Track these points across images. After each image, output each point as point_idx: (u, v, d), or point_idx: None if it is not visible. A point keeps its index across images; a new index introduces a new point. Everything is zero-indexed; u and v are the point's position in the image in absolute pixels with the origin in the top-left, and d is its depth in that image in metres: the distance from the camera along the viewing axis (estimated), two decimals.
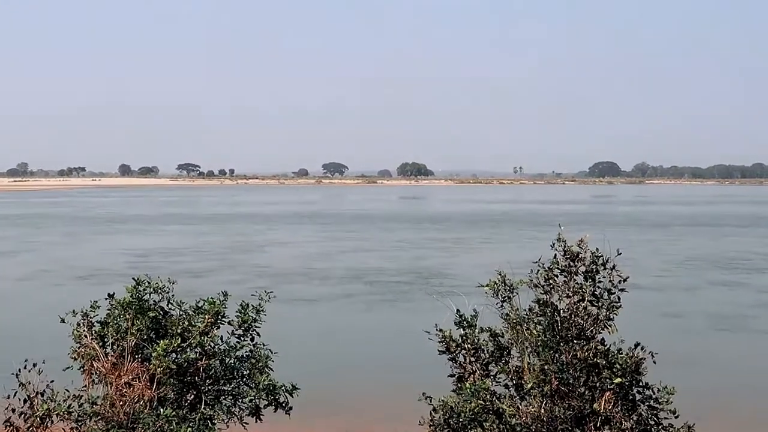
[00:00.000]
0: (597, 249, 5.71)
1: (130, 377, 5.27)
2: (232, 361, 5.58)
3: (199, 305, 5.62)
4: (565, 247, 5.77)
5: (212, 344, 5.59)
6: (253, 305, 5.63)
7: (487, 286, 5.86)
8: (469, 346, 5.80)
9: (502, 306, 5.86)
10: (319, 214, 63.52)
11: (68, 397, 5.17)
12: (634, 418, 5.48)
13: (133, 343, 5.43)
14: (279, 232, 43.66)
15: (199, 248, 33.76)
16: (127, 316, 5.54)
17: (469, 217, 58.89)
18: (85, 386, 5.30)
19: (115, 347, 5.47)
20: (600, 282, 5.67)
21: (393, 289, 21.73)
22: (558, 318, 5.66)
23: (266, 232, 44.11)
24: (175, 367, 5.36)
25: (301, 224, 50.86)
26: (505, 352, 5.80)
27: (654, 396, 5.50)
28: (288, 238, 39.59)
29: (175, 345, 5.40)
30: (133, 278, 5.54)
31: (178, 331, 5.54)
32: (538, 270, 5.78)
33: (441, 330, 5.79)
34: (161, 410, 5.17)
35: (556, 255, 5.76)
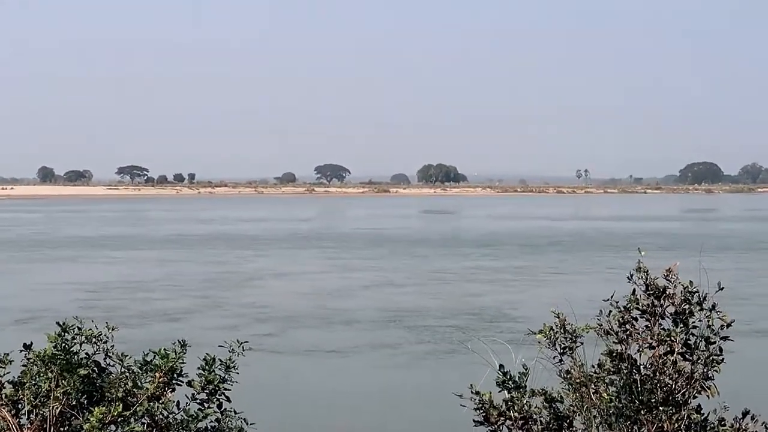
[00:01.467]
0: (691, 282, 5.68)
1: None
2: None
3: (148, 359, 5.54)
4: (647, 279, 5.73)
5: (165, 413, 5.51)
6: (221, 360, 5.57)
7: (541, 333, 5.84)
8: (516, 414, 5.68)
9: (561, 360, 5.79)
10: (320, 235, 64.04)
11: None
12: None
13: (57, 411, 5.35)
14: (271, 259, 44.12)
15: (168, 280, 34.22)
16: (50, 374, 5.43)
17: (525, 239, 59.23)
18: None
19: (33, 416, 5.38)
20: (695, 327, 5.64)
21: (445, 336, 22.08)
22: (638, 377, 5.62)
23: (254, 258, 44.59)
24: None
25: (298, 248, 51.35)
26: (566, 423, 5.72)
27: None
28: (286, 268, 40.03)
29: (115, 414, 5.31)
30: (58, 323, 5.51)
31: (119, 394, 5.45)
32: (610, 311, 5.73)
33: (477, 392, 5.65)
34: None
35: (634, 290, 5.74)
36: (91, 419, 5.24)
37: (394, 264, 41.96)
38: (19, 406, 5.47)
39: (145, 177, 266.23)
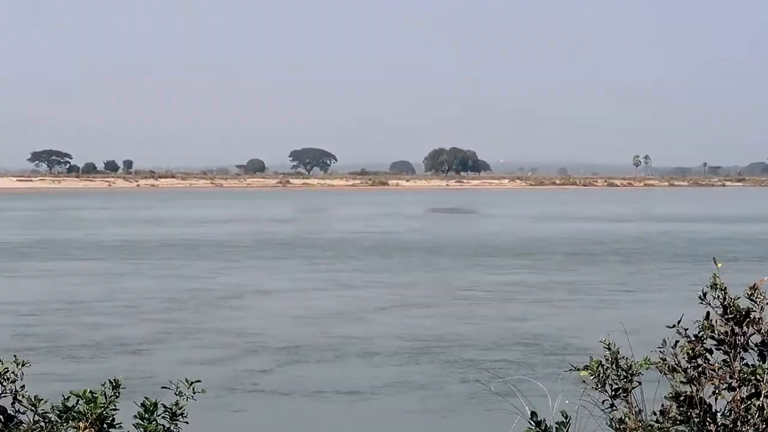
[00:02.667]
0: None
1: None
2: None
3: (69, 405, 5.48)
4: (725, 299, 5.71)
5: None
6: (165, 405, 5.53)
7: (586, 369, 5.82)
8: None
9: (612, 406, 5.75)
10: (305, 241, 64.37)
11: None
12: None
13: None
14: (248, 272, 44.44)
15: (120, 300, 34.44)
16: None
17: (575, 246, 59.62)
18: None
19: None
20: None
21: (496, 371, 22.25)
22: (713, 427, 5.60)
23: (226, 271, 44.92)
24: None
25: (280, 258, 51.69)
26: None
27: None
28: (269, 283, 40.32)
29: None
30: None
31: None
32: (677, 342, 5.72)
33: None
34: None
35: (708, 314, 5.75)
36: None
37: (409, 278, 42.25)
38: None
39: (68, 165, 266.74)
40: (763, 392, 5.55)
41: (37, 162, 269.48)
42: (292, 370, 22.75)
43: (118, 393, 5.47)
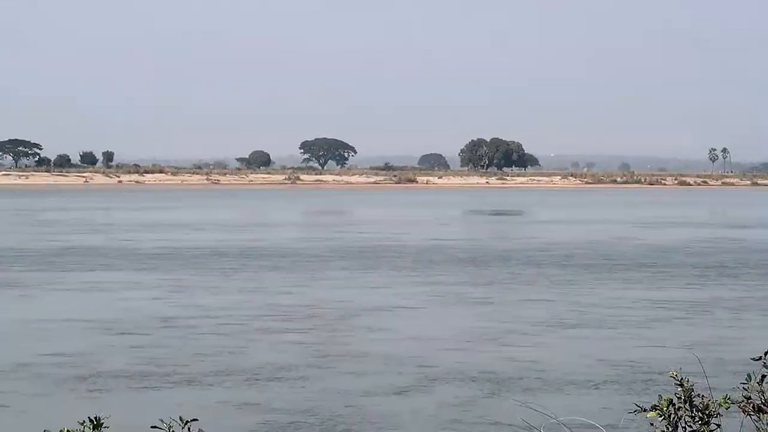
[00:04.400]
0: None
1: None
2: None
3: None
4: None
5: None
6: None
7: (655, 410, 5.79)
8: None
9: None
10: (374, 249, 64.65)
11: None
12: None
13: None
14: (344, 286, 44.86)
15: (218, 317, 34.77)
16: None
17: (700, 257, 59.96)
18: None
19: None
20: None
21: None
22: None
23: (315, 283, 45.51)
24: None
25: (364, 268, 52.05)
26: None
27: None
28: (379, 299, 40.68)
29: None
30: None
31: None
32: (764, 377, 5.75)
33: None
34: None
35: None
36: None
37: (529, 293, 42.51)
38: None
39: (37, 157, 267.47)
40: None
41: (0, 153, 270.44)
42: (499, 402, 23.01)
43: None
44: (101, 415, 5.75)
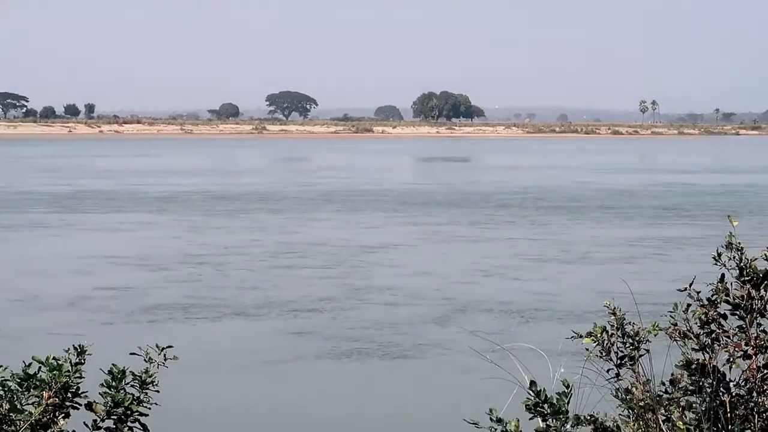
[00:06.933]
0: None
1: None
2: None
3: (31, 373, 5.40)
4: (741, 260, 5.67)
5: None
6: (134, 373, 5.45)
7: (589, 336, 5.74)
8: None
9: (617, 375, 5.71)
10: (355, 192, 64.77)
11: None
12: None
13: None
14: (343, 226, 44.97)
15: (243, 254, 34.84)
16: None
17: (659, 199, 60.47)
18: None
19: None
20: None
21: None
22: (727, 398, 5.56)
23: (317, 224, 45.48)
24: None
25: (353, 210, 52.18)
26: None
27: None
28: (379, 237, 40.78)
29: None
30: None
31: None
32: (689, 305, 5.69)
33: (499, 420, 5.40)
34: None
35: (723, 277, 5.71)
36: None
37: (508, 232, 42.78)
38: None
39: (24, 109, 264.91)
40: None
41: None
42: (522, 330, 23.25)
43: (84, 359, 5.35)
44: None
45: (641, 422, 5.55)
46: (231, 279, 30.02)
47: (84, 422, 5.33)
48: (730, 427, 5.48)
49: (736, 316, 5.64)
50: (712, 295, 5.66)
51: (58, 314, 24.44)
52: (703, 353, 5.62)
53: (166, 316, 24.14)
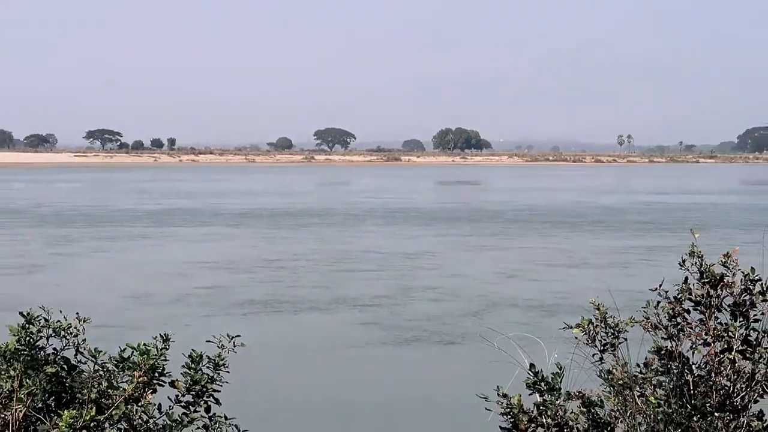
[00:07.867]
0: (753, 269, 5.74)
1: None
2: None
3: (126, 356, 5.44)
4: (701, 266, 5.75)
5: (145, 417, 5.42)
6: (209, 357, 5.52)
7: (578, 327, 5.79)
8: (549, 421, 5.57)
9: (601, 359, 5.78)
10: (400, 210, 64.77)
11: None
12: None
13: (21, 415, 5.27)
14: (377, 236, 44.86)
15: (305, 259, 34.91)
16: (12, 372, 5.30)
17: (646, 215, 60.19)
18: None
19: None
20: (757, 321, 5.65)
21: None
22: (690, 378, 5.61)
23: (359, 235, 45.36)
24: None
25: (397, 223, 52.15)
26: (606, 431, 5.65)
27: None
28: (425, 246, 40.77)
29: (88, 418, 5.18)
30: (21, 313, 5.40)
31: (92, 396, 5.33)
32: (659, 302, 5.75)
33: (505, 395, 5.53)
34: None
35: (687, 279, 5.77)
36: (60, 424, 5.07)
37: (530, 242, 42.64)
38: None
39: (118, 142, 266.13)
40: (734, 347, 5.57)
41: (91, 139, 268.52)
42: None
43: (168, 346, 5.43)
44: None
45: (620, 397, 5.67)
46: (303, 280, 30.07)
47: (168, 396, 5.44)
48: (693, 401, 5.54)
49: (698, 311, 5.76)
50: (678, 294, 5.80)
51: (167, 308, 24.49)
52: (671, 341, 5.74)
53: (256, 310, 24.25)
